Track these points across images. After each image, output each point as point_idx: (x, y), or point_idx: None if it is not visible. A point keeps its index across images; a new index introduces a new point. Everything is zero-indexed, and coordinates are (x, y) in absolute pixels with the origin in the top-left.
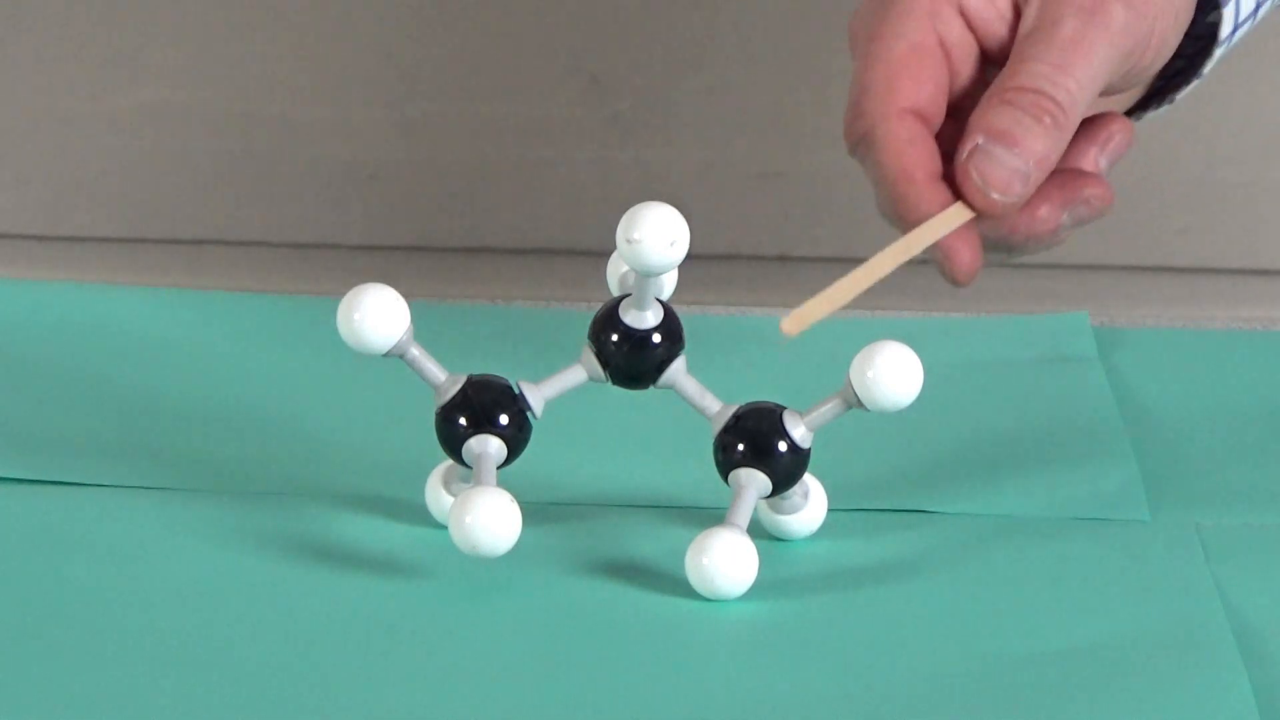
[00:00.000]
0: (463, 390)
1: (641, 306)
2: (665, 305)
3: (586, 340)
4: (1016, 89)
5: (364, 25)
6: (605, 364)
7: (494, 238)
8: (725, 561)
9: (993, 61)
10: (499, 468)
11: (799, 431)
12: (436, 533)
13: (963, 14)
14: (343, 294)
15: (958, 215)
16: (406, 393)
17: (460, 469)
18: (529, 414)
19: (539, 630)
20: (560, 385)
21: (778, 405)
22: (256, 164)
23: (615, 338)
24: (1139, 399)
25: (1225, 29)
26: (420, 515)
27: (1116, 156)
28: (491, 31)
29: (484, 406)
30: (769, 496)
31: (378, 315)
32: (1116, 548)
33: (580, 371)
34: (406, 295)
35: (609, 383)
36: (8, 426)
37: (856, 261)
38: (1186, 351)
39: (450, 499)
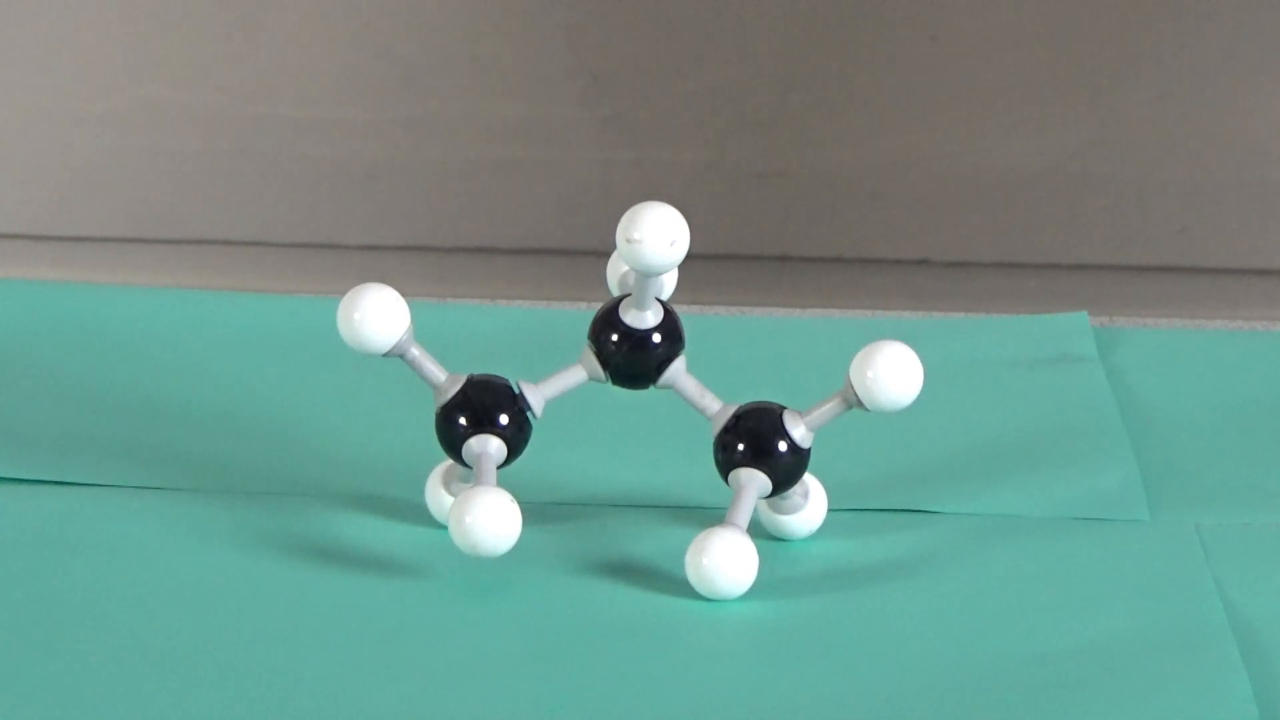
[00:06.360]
0: (463, 390)
1: (641, 306)
2: (665, 305)
3: (586, 340)
4: None
5: (364, 25)
6: (605, 364)
7: (494, 238)
8: (725, 561)
9: None
10: (499, 468)
11: (799, 431)
12: (436, 533)
13: None
14: (343, 294)
15: None
16: (406, 393)
17: (460, 469)
18: (529, 414)
19: (539, 630)
20: (560, 385)
21: (778, 405)
22: (256, 164)
23: (615, 338)
24: (1139, 399)
25: None
26: (420, 515)
27: None
28: (491, 31)
29: (484, 406)
30: (769, 496)
31: (378, 315)
32: (1116, 548)
33: (580, 371)
34: (406, 295)
35: (609, 383)
36: (8, 426)
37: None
38: (1186, 351)
39: (450, 499)
